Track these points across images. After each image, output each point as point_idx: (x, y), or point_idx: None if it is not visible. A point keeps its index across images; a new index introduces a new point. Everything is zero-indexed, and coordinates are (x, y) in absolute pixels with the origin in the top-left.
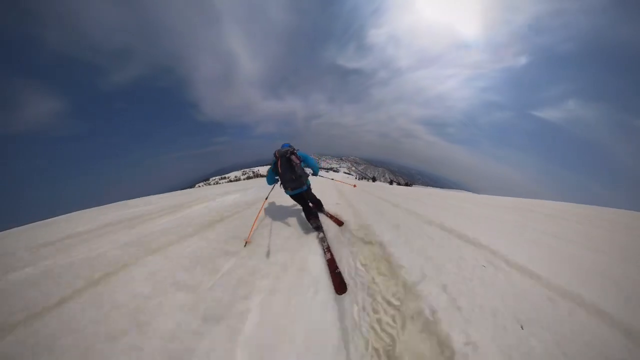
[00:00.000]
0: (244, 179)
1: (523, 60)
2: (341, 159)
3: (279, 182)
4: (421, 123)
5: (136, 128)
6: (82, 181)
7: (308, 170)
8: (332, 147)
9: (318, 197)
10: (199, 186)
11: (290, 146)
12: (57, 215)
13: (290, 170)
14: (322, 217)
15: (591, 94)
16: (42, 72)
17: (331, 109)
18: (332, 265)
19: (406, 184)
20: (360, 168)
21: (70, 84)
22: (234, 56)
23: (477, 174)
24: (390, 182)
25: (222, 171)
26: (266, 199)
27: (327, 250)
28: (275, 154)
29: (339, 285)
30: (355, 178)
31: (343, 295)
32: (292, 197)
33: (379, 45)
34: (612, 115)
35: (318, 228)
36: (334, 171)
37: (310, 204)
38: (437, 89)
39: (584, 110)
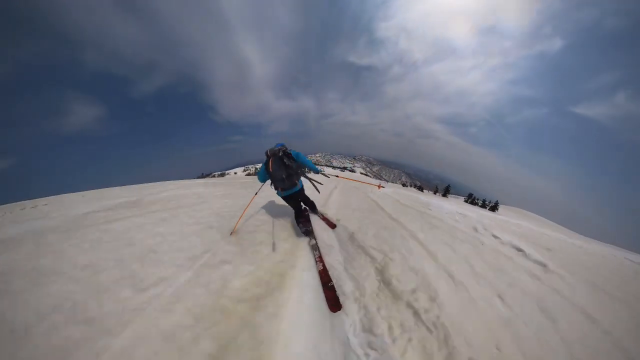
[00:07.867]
0: (244, 175)
1: (558, 43)
2: (354, 159)
3: (270, 182)
4: (440, 122)
5: (161, 128)
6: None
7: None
8: (345, 146)
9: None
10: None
11: (283, 145)
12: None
13: (280, 170)
14: (314, 219)
15: None
16: (84, 86)
17: (343, 107)
18: (325, 278)
19: (419, 188)
20: (374, 169)
21: (107, 95)
22: (247, 60)
23: (502, 183)
24: (403, 185)
25: (236, 166)
26: (255, 194)
27: (319, 260)
28: (266, 153)
29: (333, 302)
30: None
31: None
32: (284, 198)
33: (390, 38)
34: None
35: (308, 233)
36: (350, 171)
37: (303, 206)
38: (458, 83)
39: (638, 105)
